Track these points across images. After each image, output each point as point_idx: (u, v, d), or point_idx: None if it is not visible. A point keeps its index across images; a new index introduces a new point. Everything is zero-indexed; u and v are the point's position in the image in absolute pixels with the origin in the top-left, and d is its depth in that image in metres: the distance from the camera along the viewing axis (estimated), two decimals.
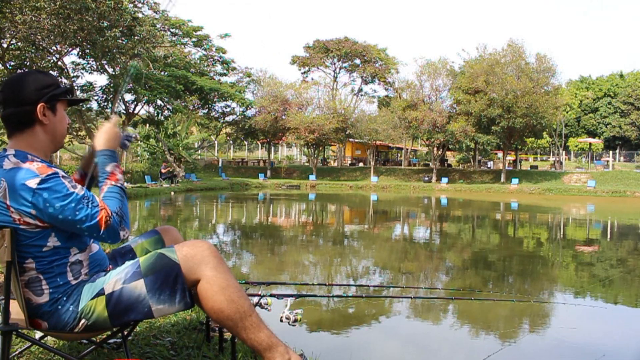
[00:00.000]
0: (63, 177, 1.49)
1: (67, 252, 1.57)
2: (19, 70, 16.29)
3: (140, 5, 19.25)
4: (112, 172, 1.64)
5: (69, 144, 24.71)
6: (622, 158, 40.71)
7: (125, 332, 1.73)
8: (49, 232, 1.51)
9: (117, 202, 1.58)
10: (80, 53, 18.75)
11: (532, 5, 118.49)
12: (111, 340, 1.90)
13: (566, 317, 4.84)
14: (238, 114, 34.18)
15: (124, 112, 24.19)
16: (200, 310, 2.24)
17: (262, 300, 2.13)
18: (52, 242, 1.52)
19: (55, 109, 1.60)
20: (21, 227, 1.47)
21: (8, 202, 1.45)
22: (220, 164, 35.58)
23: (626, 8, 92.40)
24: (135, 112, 24.81)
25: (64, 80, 19.35)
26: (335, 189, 29.76)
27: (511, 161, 37.23)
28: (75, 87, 20.68)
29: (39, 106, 1.54)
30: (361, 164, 40.07)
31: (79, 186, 1.52)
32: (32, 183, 1.44)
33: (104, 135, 1.70)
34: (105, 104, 23.34)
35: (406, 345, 4.15)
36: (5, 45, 14.95)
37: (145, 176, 24.12)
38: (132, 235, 2.21)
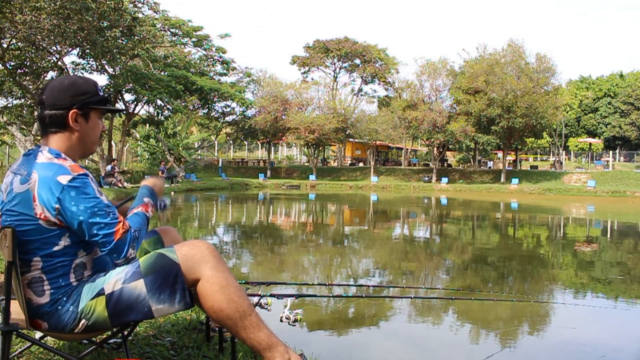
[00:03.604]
0: (92, 180, 1.54)
1: (75, 254, 1.58)
2: (19, 70, 16.32)
3: (140, 5, 19.27)
4: (147, 204, 1.73)
5: None
6: (622, 158, 40.71)
7: (125, 332, 1.73)
8: (64, 232, 1.53)
9: (140, 224, 1.63)
10: (80, 53, 18.74)
11: (532, 5, 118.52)
12: (111, 340, 1.91)
13: (566, 317, 4.84)
14: (238, 114, 34.20)
15: (124, 112, 24.20)
16: (200, 310, 2.24)
17: (262, 300, 2.13)
18: (64, 241, 1.54)
19: (88, 117, 1.65)
20: (40, 222, 1.49)
21: (35, 194, 1.48)
22: (220, 164, 35.56)
23: (626, 8, 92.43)
24: (135, 112, 24.81)
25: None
26: (335, 189, 29.76)
27: (511, 161, 37.22)
28: None
29: (71, 112, 1.59)
30: (361, 164, 40.06)
31: (105, 195, 1.56)
32: (64, 179, 1.48)
33: (154, 181, 1.86)
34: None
35: (406, 346, 4.15)
36: (5, 45, 14.96)
37: (145, 176, 24.09)
38: None
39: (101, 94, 1.68)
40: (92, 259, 1.63)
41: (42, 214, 1.48)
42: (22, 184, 1.50)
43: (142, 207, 1.70)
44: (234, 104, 32.57)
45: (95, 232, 1.50)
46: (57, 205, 1.47)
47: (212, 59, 30.51)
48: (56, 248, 1.53)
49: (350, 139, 37.42)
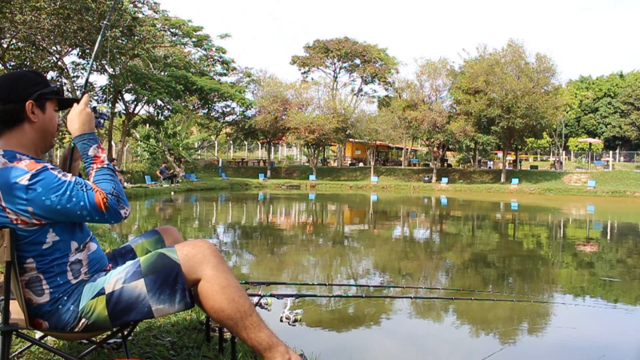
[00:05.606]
0: (52, 168, 1.49)
1: (67, 248, 1.56)
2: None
3: (140, 5, 19.29)
4: (96, 156, 1.61)
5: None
6: (622, 158, 40.69)
7: (125, 332, 1.73)
8: (47, 228, 1.50)
9: (109, 183, 1.56)
10: (80, 53, 18.76)
11: (531, 5, 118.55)
12: (111, 340, 1.90)
13: (566, 317, 4.84)
14: (238, 114, 34.21)
15: (124, 112, 24.22)
16: (200, 310, 2.24)
17: (262, 300, 2.13)
18: (51, 237, 1.52)
19: (44, 108, 1.60)
20: (19, 226, 1.47)
21: (3, 204, 1.44)
22: (220, 164, 35.57)
23: (626, 8, 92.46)
24: (135, 112, 24.82)
25: (64, 80, 19.38)
26: (335, 189, 29.76)
27: (511, 161, 37.22)
28: (75, 87, 20.69)
29: (27, 103, 1.55)
30: (361, 164, 40.07)
31: (69, 175, 1.51)
32: (24, 180, 1.43)
33: (77, 118, 1.63)
34: (106, 104, 23.35)
35: (406, 345, 4.15)
36: (5, 45, 14.97)
37: (145, 176, 24.12)
38: (132, 235, 2.21)
39: (51, 85, 1.62)
40: (87, 255, 1.62)
41: (18, 219, 1.45)
42: None
43: (94, 164, 1.59)
44: (234, 104, 32.63)
45: (79, 212, 1.47)
46: (29, 208, 1.43)
47: (212, 59, 30.55)
48: (45, 246, 1.51)
49: (350, 139, 37.42)
